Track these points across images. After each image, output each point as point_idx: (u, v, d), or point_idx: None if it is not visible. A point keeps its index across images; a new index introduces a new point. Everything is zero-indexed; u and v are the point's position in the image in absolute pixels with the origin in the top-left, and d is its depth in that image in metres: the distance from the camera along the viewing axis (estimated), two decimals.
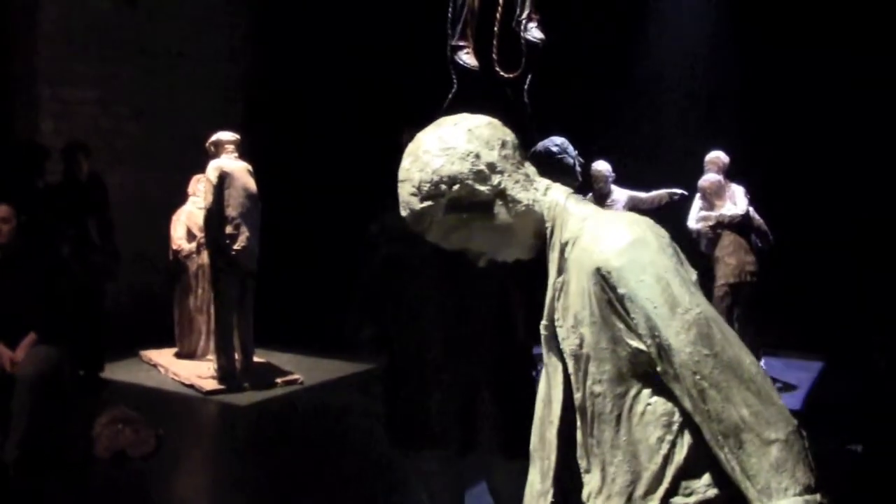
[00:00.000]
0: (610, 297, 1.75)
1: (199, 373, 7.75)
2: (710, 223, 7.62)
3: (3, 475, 5.21)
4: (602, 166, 8.18)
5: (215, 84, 10.08)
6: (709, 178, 7.76)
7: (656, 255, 1.74)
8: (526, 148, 4.66)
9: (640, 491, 1.78)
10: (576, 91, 8.93)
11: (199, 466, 6.16)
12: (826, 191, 8.39)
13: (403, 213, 1.96)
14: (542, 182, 2.00)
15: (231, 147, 7.34)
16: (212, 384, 7.44)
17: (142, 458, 5.60)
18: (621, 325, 1.75)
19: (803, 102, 8.44)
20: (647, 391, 1.78)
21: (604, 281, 1.75)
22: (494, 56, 6.10)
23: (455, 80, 6.15)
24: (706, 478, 1.75)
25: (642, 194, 8.23)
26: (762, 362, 7.81)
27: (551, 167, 4.55)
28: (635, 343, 1.74)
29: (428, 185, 1.89)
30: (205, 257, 7.86)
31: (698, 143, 8.29)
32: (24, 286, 5.50)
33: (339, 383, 7.66)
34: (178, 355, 8.47)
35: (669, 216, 8.15)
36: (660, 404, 1.77)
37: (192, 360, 8.36)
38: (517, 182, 1.95)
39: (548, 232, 1.93)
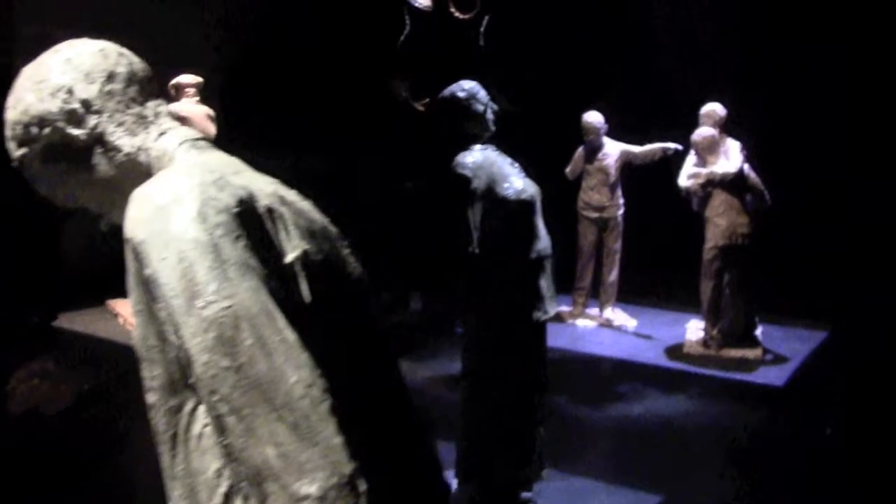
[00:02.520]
0: (144, 278, 1.32)
1: None
2: (701, 181, 7.07)
3: None
4: (593, 118, 7.68)
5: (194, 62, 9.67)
6: (702, 132, 7.20)
7: (189, 225, 1.29)
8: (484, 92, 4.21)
9: None
10: (567, 37, 8.43)
11: (128, 420, 5.90)
12: (831, 150, 7.79)
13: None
14: (161, 126, 1.55)
15: (192, 91, 7.02)
16: None
17: (58, 414, 5.36)
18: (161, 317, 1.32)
19: (809, 56, 7.83)
20: (203, 407, 1.33)
21: (135, 257, 1.32)
22: None
23: (408, 21, 5.76)
24: None
25: (636, 148, 7.72)
26: (759, 331, 7.33)
27: (457, 115, 4.15)
28: (175, 340, 1.31)
29: (20, 127, 1.49)
30: None
31: (699, 95, 7.72)
32: None
33: None
34: None
35: (664, 172, 7.69)
36: None
37: None
38: (121, 125, 1.52)
39: None
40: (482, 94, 4.15)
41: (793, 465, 5.28)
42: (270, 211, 1.41)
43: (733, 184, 7.00)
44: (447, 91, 4.16)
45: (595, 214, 7.82)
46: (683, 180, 7.22)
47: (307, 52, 8.31)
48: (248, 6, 8.41)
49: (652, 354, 7.20)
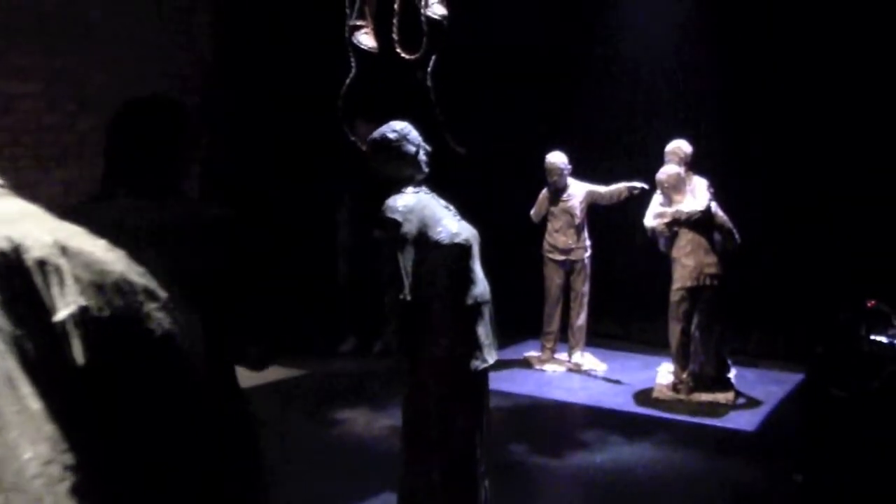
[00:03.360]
0: None
1: None
2: (666, 220, 6.90)
3: None
4: (556, 158, 7.52)
5: (171, 74, 9.61)
6: (667, 170, 7.04)
7: None
8: (431, 134, 4.06)
9: None
10: (529, 77, 8.30)
11: None
12: (802, 185, 7.64)
13: None
14: None
15: None
16: None
17: None
18: None
19: (776, 92, 7.70)
20: None
21: None
22: (395, 36, 5.53)
23: (353, 63, 5.61)
24: None
25: (601, 188, 7.56)
26: (732, 373, 7.13)
27: (389, 156, 3.99)
28: None
29: None
30: None
31: (664, 133, 7.58)
32: None
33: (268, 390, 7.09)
34: None
35: (632, 212, 7.52)
36: None
37: None
38: None
39: None
40: (413, 134, 4.00)
41: None
42: (41, 263, 1.23)
43: (700, 223, 6.83)
44: (377, 132, 4.00)
45: (561, 257, 7.65)
46: (649, 220, 7.06)
47: (259, 98, 8.23)
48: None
49: (620, 400, 6.99)
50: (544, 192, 7.68)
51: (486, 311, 4.01)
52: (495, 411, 6.21)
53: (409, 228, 3.81)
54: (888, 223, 7.12)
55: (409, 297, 3.76)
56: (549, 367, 7.73)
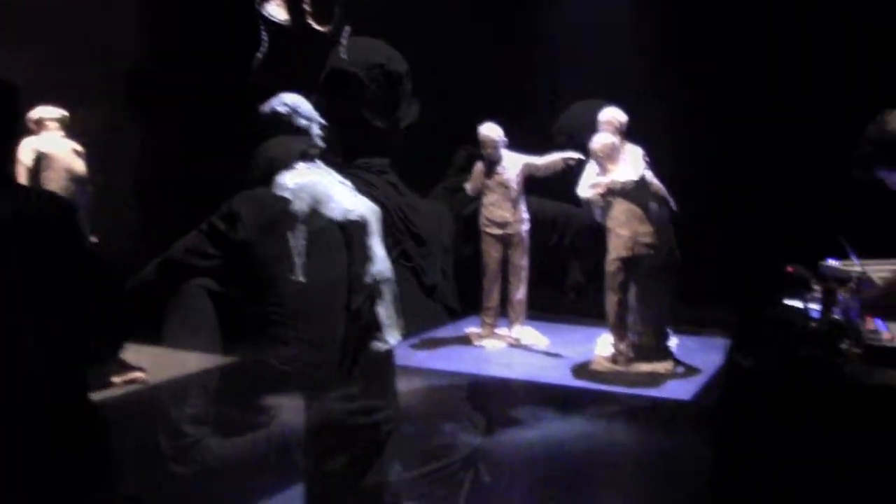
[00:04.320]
0: None
1: None
2: (601, 190, 6.79)
3: None
4: (490, 130, 7.38)
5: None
6: (600, 138, 6.92)
7: None
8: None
9: None
10: (460, 47, 8.15)
11: None
12: (742, 152, 7.56)
13: None
14: None
15: (55, 125, 6.71)
16: None
17: None
18: None
19: (711, 59, 7.61)
20: None
21: None
22: (306, 7, 5.37)
23: (264, 36, 5.45)
24: None
25: (536, 160, 7.43)
26: (673, 342, 7.05)
27: (279, 130, 3.85)
28: None
29: None
30: None
31: (597, 101, 7.45)
32: None
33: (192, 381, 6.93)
34: None
35: (567, 184, 7.41)
36: None
37: None
38: None
39: None
40: (305, 107, 3.85)
41: (696, 483, 5.01)
42: None
43: (635, 192, 6.73)
44: (266, 105, 3.86)
45: (498, 231, 7.51)
46: (583, 190, 6.94)
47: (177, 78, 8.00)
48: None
49: (560, 374, 6.88)
50: (479, 165, 7.54)
51: (387, 290, 3.88)
52: (432, 391, 6.10)
53: (300, 206, 3.67)
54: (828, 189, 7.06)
55: (301, 278, 3.62)
56: (489, 343, 7.61)
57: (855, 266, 4.22)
